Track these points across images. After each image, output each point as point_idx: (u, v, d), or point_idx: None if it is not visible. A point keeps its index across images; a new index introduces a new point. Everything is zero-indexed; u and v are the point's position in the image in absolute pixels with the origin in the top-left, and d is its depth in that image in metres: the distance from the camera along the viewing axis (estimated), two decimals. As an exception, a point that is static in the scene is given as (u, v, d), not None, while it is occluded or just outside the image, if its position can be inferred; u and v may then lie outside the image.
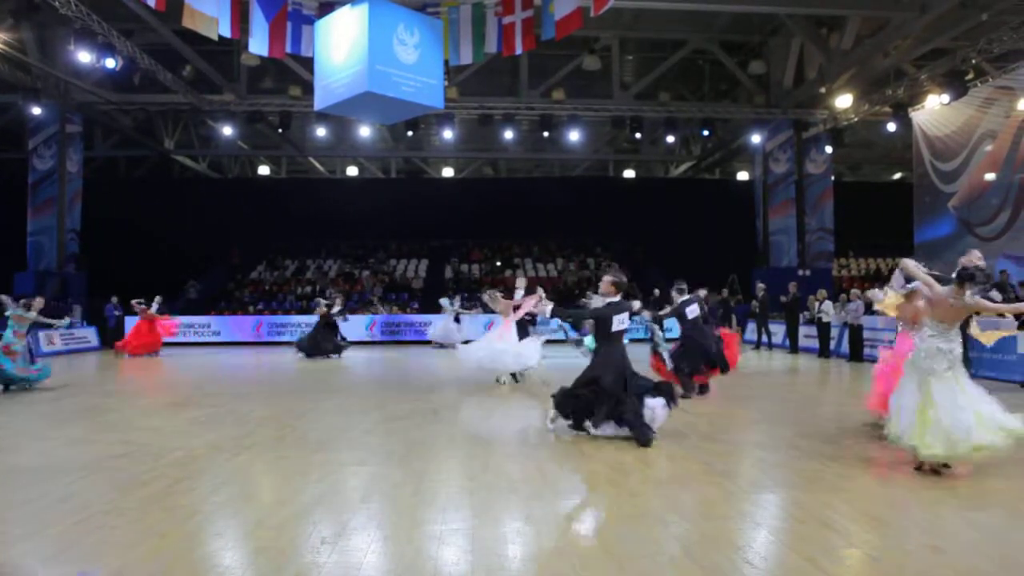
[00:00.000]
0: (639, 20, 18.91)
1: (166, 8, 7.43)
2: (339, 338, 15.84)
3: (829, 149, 20.29)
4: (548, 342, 11.14)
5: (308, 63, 9.39)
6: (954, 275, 4.90)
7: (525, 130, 23.30)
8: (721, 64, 20.24)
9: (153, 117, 22.31)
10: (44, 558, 3.40)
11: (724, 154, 26.42)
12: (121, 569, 3.27)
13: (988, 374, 10.73)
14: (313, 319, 16.86)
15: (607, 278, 6.36)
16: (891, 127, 18.63)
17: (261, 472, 5.25)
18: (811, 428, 6.73)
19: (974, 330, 6.28)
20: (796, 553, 3.46)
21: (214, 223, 25.25)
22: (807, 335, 16.23)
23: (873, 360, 8.66)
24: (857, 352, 13.76)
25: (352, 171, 29.38)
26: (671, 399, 6.07)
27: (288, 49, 8.25)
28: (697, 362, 8.80)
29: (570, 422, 6.38)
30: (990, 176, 15.88)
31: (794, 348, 16.30)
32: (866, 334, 13.79)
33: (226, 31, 7.67)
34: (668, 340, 9.52)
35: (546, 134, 19.81)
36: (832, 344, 15.13)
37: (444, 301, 18.47)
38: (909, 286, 5.62)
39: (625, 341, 6.40)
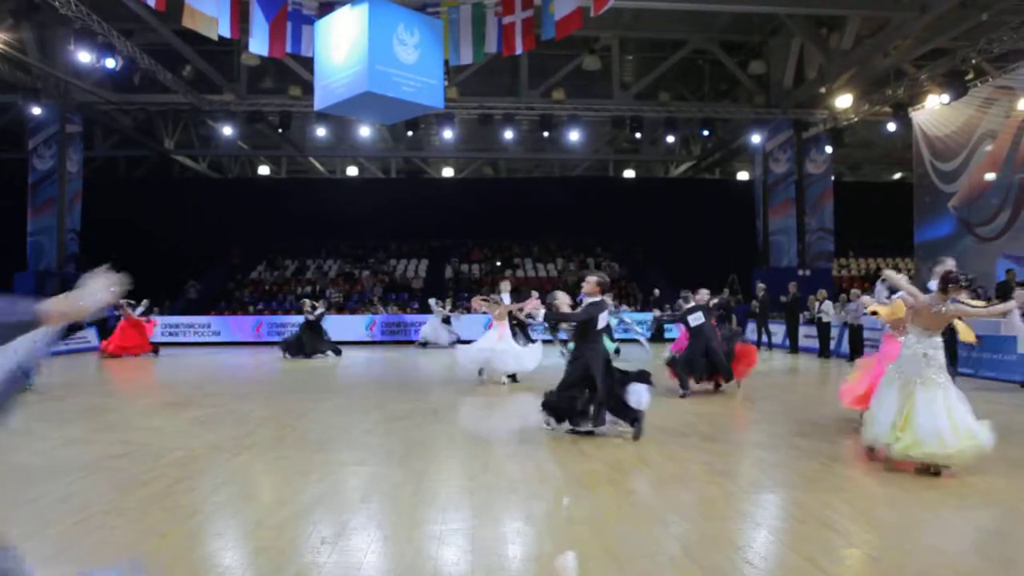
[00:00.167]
0: (639, 20, 18.91)
1: (166, 8, 7.43)
2: (326, 338, 15.91)
3: (829, 149, 20.28)
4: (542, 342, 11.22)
5: (308, 63, 9.39)
6: (933, 283, 5.09)
7: (525, 130, 23.30)
8: (721, 64, 20.24)
9: (153, 117, 22.31)
10: (44, 558, 3.40)
11: (724, 154, 26.41)
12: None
13: (988, 374, 10.74)
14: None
15: (592, 279, 6.53)
16: (891, 127, 18.63)
17: (261, 472, 5.25)
18: (811, 428, 6.73)
19: (965, 335, 6.40)
20: (796, 553, 3.46)
21: (214, 223, 25.24)
22: (807, 335, 16.23)
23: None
24: (857, 352, 13.74)
25: (352, 171, 29.38)
26: (650, 382, 6.34)
27: (288, 49, 8.26)
28: (699, 366, 8.96)
29: (565, 424, 6.42)
30: (990, 176, 15.87)
31: (794, 348, 16.31)
32: (866, 334, 13.79)
33: (226, 31, 7.68)
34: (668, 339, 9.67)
35: (546, 134, 19.81)
36: (832, 344, 15.13)
37: (433, 302, 18.92)
38: (895, 297, 5.65)
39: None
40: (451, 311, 19.05)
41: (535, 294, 9.35)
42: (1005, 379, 10.19)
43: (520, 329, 10.83)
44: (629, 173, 29.34)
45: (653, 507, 4.25)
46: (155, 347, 16.52)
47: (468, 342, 12.37)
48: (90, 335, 18.69)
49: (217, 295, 22.91)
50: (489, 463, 5.38)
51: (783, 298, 16.66)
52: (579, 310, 6.55)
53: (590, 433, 6.40)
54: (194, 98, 18.37)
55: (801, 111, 20.00)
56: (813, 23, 17.37)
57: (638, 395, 6.19)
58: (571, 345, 6.75)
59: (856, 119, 19.19)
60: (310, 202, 26.07)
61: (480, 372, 10.65)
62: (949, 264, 5.30)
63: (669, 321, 9.47)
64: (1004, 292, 12.44)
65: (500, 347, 10.23)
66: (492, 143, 24.66)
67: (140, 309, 16.20)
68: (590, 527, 3.92)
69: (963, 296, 5.01)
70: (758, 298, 17.62)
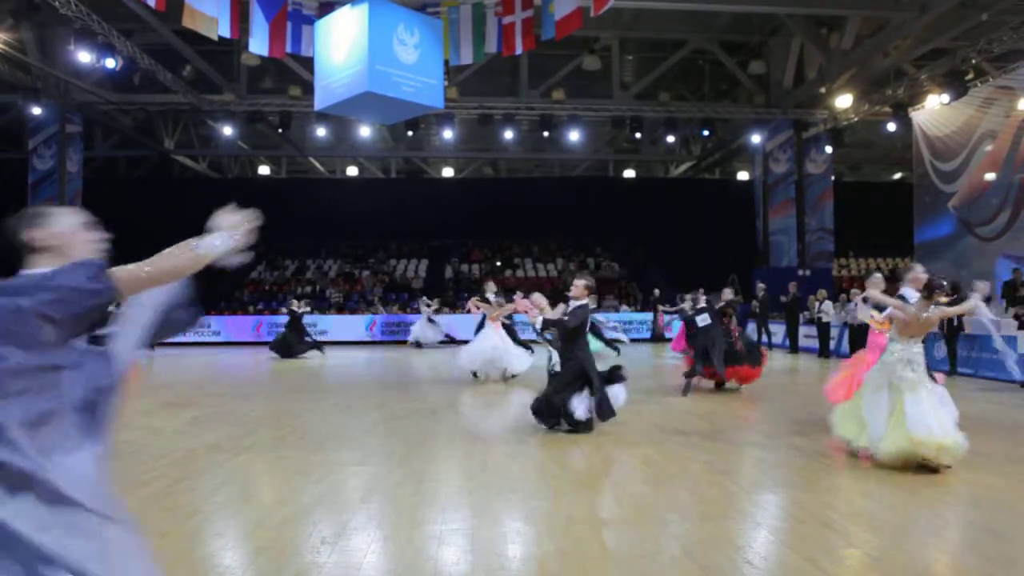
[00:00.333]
0: (639, 20, 18.90)
1: (166, 8, 7.43)
2: (307, 337, 15.96)
3: (829, 149, 20.27)
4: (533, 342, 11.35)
5: (308, 63, 9.39)
6: (906, 289, 5.36)
7: (525, 130, 23.29)
8: (721, 64, 20.23)
9: (153, 117, 22.29)
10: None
11: (724, 154, 26.40)
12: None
13: (988, 374, 10.75)
14: (315, 318, 17.15)
15: (581, 283, 6.73)
16: (891, 127, 18.61)
17: (261, 472, 5.25)
18: (811, 428, 6.72)
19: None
20: (796, 553, 3.46)
21: (214, 223, 25.19)
22: (807, 335, 16.24)
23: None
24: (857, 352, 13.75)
25: (352, 171, 29.36)
26: (623, 380, 6.68)
27: (288, 49, 8.26)
28: (707, 360, 9.32)
29: (566, 425, 6.51)
30: (990, 176, 15.86)
31: (794, 348, 16.31)
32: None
33: (226, 31, 7.68)
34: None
35: (546, 134, 19.79)
36: (832, 344, 15.13)
37: (422, 300, 19.40)
38: (885, 313, 5.72)
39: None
40: (435, 311, 19.28)
41: (519, 294, 9.51)
42: (1005, 379, 10.20)
43: (508, 331, 11.06)
44: (629, 173, 29.33)
45: (653, 507, 4.25)
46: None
47: (464, 342, 12.45)
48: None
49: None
50: (489, 463, 5.38)
51: (783, 298, 16.66)
52: (569, 314, 6.66)
53: (589, 431, 6.44)
54: (194, 98, 18.37)
55: (801, 111, 19.99)
56: (813, 23, 17.36)
57: (616, 396, 6.54)
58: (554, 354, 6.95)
59: (856, 119, 19.17)
60: (310, 202, 26.04)
61: (475, 374, 10.70)
62: (918, 270, 5.50)
63: (670, 314, 9.96)
64: (1011, 291, 12.45)
65: (502, 346, 10.45)
66: (492, 143, 24.65)
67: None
68: (590, 527, 3.92)
69: (942, 299, 5.23)
70: (758, 298, 17.62)
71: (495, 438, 6.54)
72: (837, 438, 5.63)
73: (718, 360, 9.13)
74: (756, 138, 20.87)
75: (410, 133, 19.61)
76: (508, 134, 19.53)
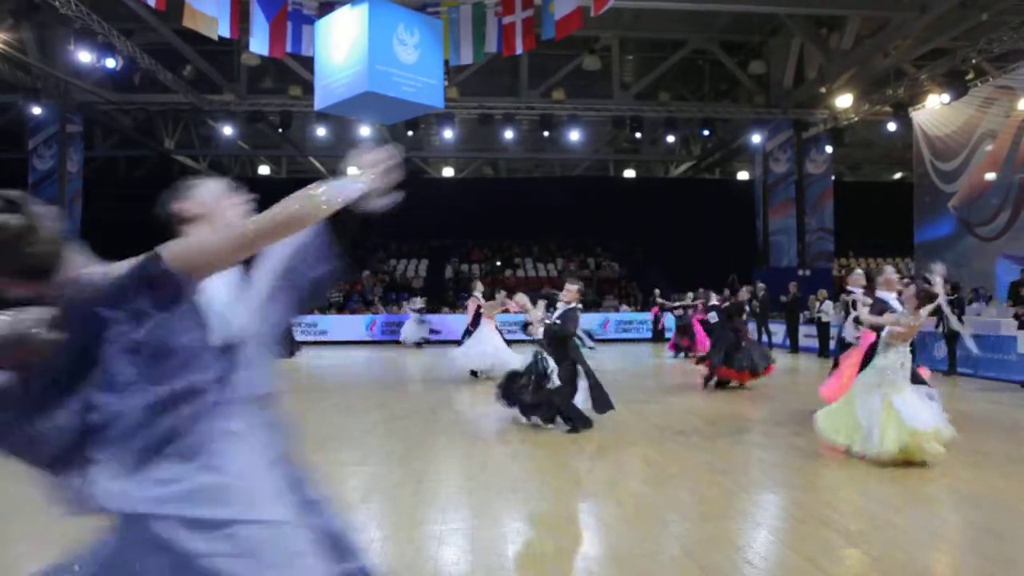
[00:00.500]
0: (639, 20, 18.89)
1: (166, 8, 7.44)
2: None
3: (829, 149, 20.26)
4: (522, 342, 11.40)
5: (308, 63, 9.40)
6: (883, 293, 5.71)
7: (525, 130, 23.28)
8: (721, 64, 20.23)
9: (153, 117, 22.28)
10: (44, 558, 3.39)
11: (724, 154, 26.40)
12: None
13: (988, 374, 10.74)
14: (315, 317, 17.14)
15: (575, 286, 6.86)
16: (891, 127, 18.61)
17: (261, 472, 5.24)
18: (811, 428, 6.70)
19: None
20: (796, 553, 3.46)
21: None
22: (807, 335, 16.23)
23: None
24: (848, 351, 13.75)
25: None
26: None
27: (288, 49, 8.27)
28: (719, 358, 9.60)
29: (568, 426, 6.57)
30: (990, 176, 15.86)
31: (794, 348, 16.31)
32: (866, 334, 13.78)
33: (226, 31, 7.69)
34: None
35: (546, 134, 19.78)
36: (832, 344, 15.11)
37: (414, 300, 19.48)
38: (885, 332, 5.77)
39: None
40: (419, 309, 19.33)
41: (503, 293, 9.60)
42: (1005, 379, 10.20)
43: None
44: (629, 173, 29.32)
45: (653, 507, 4.25)
46: None
47: (456, 342, 12.49)
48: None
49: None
50: (489, 463, 5.38)
51: (783, 298, 16.66)
52: (565, 318, 6.73)
53: (589, 427, 6.47)
54: (194, 98, 18.37)
55: (801, 111, 19.99)
56: (813, 23, 17.36)
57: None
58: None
59: (856, 119, 19.17)
60: (310, 202, 26.02)
61: (474, 372, 10.71)
62: (888, 272, 5.83)
63: (670, 310, 10.10)
64: (1016, 291, 12.41)
65: (501, 345, 10.51)
66: (492, 143, 24.65)
67: None
68: (590, 527, 3.92)
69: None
70: (758, 298, 17.63)
71: (495, 438, 6.54)
72: (821, 436, 5.69)
73: (717, 359, 9.20)
74: (756, 138, 20.87)
75: (410, 133, 19.61)
76: (508, 134, 19.52)
